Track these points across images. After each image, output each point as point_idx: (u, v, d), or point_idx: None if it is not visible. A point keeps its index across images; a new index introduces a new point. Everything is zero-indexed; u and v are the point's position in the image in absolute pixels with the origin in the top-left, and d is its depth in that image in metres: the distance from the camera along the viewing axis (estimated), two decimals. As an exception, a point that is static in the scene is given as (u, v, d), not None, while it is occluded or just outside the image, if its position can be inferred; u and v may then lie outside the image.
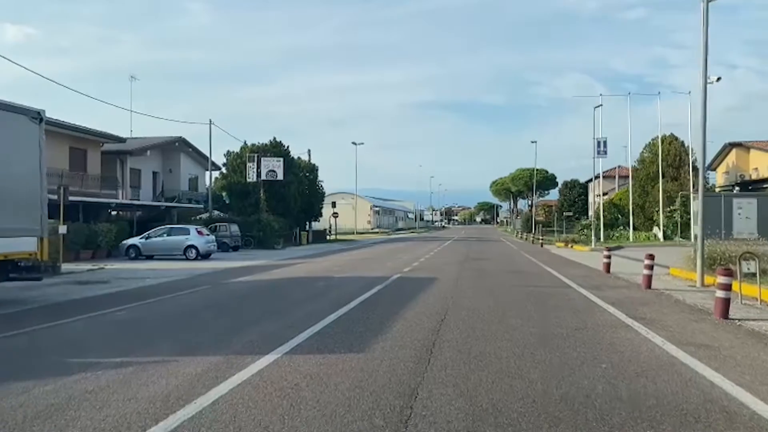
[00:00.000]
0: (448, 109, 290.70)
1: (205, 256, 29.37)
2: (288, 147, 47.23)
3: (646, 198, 48.68)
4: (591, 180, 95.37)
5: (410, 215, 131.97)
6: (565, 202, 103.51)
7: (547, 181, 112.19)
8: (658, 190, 47.57)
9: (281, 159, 41.63)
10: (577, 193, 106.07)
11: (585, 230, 52.76)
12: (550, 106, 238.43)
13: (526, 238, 51.70)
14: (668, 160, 48.22)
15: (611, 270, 19.18)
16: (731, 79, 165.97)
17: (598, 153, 34.19)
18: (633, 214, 47.28)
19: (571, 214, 70.26)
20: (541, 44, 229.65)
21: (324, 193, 54.56)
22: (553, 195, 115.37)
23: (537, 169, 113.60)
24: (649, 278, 14.78)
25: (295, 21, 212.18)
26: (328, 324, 8.89)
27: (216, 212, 44.77)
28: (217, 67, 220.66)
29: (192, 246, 28.74)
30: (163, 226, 30.50)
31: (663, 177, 48.93)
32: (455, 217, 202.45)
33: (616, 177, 70.51)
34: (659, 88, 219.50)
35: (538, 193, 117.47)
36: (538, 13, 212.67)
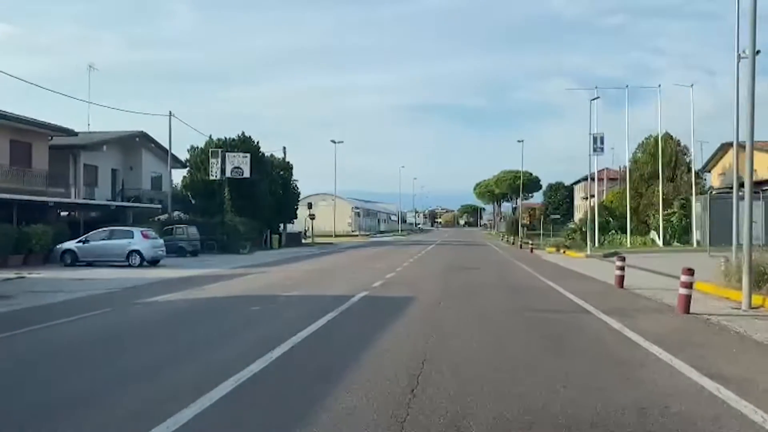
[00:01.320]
0: (432, 111, 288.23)
1: (152, 262, 25.49)
2: (258, 142, 43.41)
3: (640, 200, 45.49)
4: (577, 182, 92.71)
5: (393, 217, 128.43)
6: (550, 204, 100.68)
7: (531, 183, 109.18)
8: (653, 192, 44.55)
9: (248, 155, 37.76)
10: (561, 195, 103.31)
11: (573, 234, 49.59)
12: (534, 110, 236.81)
13: (513, 242, 48.28)
14: (663, 161, 45.12)
15: (624, 283, 15.69)
16: (712, 84, 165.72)
17: (594, 150, 30.87)
18: (628, 217, 44.18)
19: (558, 216, 67.43)
20: (523, 49, 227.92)
21: (299, 192, 50.77)
22: (537, 198, 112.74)
23: (520, 172, 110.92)
24: (688, 300, 11.28)
25: (280, 23, 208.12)
26: (221, 397, 5.17)
27: (178, 213, 40.75)
28: (200, 67, 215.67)
29: (135, 251, 24.81)
30: (103, 229, 26.50)
31: (658, 178, 45.86)
32: (439, 220, 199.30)
33: (605, 179, 67.60)
34: (641, 92, 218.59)
35: (522, 195, 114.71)
36: (520, 17, 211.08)
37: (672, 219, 38.83)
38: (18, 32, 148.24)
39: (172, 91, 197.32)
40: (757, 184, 41.85)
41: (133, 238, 25.15)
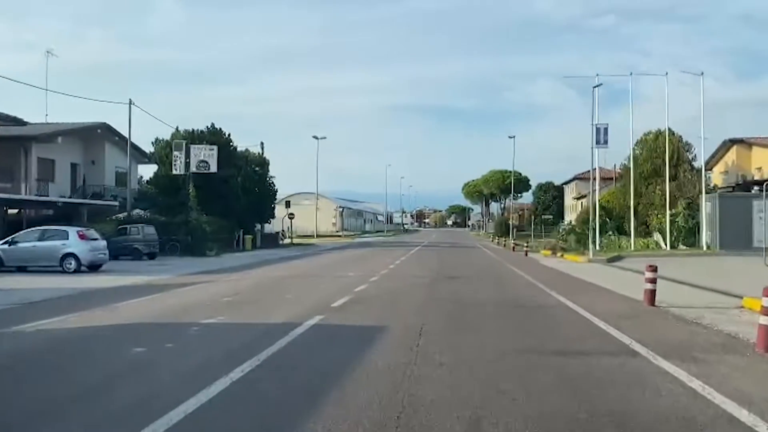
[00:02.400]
0: (421, 112, 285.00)
1: (92, 267, 21.73)
2: (229, 135, 39.57)
3: (640, 200, 42.14)
4: (568, 182, 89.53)
5: (380, 217, 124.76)
6: (539, 204, 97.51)
7: (520, 183, 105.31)
8: (653, 192, 41.34)
9: (215, 148, 33.92)
10: (551, 196, 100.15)
11: (568, 236, 46.27)
12: (522, 111, 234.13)
13: (504, 244, 44.75)
14: (664, 158, 41.90)
15: (655, 299, 12.22)
16: (697, 86, 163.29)
17: (598, 143, 27.40)
18: (631, 217, 40.97)
19: (551, 217, 64.12)
20: (513, 50, 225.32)
21: (276, 190, 46.94)
22: (526, 198, 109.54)
23: (509, 172, 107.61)
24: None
25: (269, 22, 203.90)
26: None
27: (138, 211, 36.84)
28: (187, 66, 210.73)
29: (70, 254, 20.96)
30: (35, 228, 22.61)
31: (659, 176, 42.62)
32: (426, 220, 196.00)
33: (598, 179, 64.43)
34: (629, 94, 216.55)
35: (510, 195, 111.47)
36: (510, 19, 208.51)
37: (677, 219, 35.53)
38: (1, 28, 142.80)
39: (157, 89, 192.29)
40: (760, 184, 38.98)
41: (67, 239, 21.28)
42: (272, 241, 47.84)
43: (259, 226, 48.96)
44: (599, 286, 16.03)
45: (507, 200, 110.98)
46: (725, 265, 22.53)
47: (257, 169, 45.27)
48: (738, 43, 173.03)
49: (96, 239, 22.34)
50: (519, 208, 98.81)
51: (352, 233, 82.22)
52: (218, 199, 37.42)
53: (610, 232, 42.79)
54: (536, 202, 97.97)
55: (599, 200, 50.33)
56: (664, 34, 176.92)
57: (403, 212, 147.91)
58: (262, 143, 48.98)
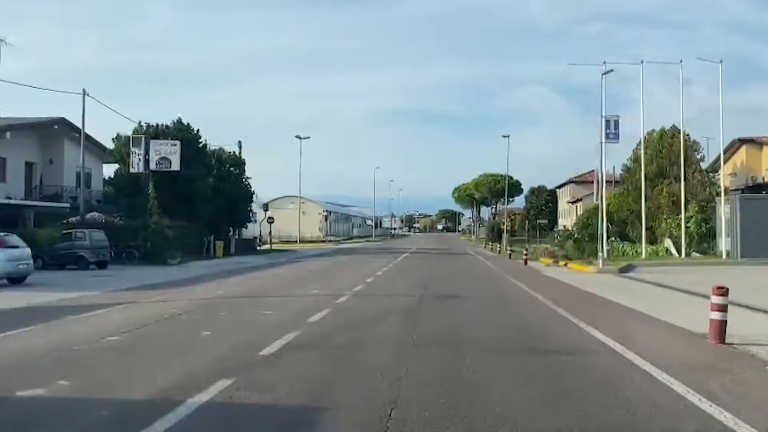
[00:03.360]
0: (411, 116, 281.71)
1: (14, 279, 18.00)
2: (198, 131, 35.70)
3: (644, 204, 38.73)
4: (562, 185, 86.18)
5: (368, 222, 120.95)
6: (532, 209, 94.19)
7: (511, 187, 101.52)
8: (660, 194, 37.98)
9: (177, 143, 30.07)
10: (544, 200, 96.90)
11: (565, 241, 42.82)
12: (513, 116, 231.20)
13: (500, 251, 41.12)
14: (671, 158, 38.62)
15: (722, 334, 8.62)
16: (687, 93, 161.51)
17: (608, 137, 23.85)
18: (642, 222, 37.67)
19: (546, 222, 60.74)
20: (502, 55, 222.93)
21: (253, 192, 43.09)
22: (518, 203, 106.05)
23: (501, 176, 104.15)
24: None
25: (259, 26, 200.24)
26: None
27: (95, 214, 32.93)
28: (177, 69, 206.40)
29: (-20, 266, 17.16)
30: (-60, 234, 18.73)
31: (666, 177, 39.34)
32: (416, 225, 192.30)
33: (595, 182, 61.17)
34: (616, 101, 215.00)
35: (502, 199, 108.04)
36: (499, 25, 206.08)
37: (689, 224, 32.14)
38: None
39: (148, 93, 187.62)
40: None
41: (-22, 247, 17.45)
42: (248, 246, 43.99)
43: (233, 231, 45.19)
44: (629, 308, 12.40)
45: (498, 204, 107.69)
46: (763, 277, 19.06)
47: (232, 169, 41.47)
48: (724, 50, 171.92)
49: (17, 247, 18.47)
50: (511, 212, 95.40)
51: (339, 238, 78.50)
52: (185, 202, 33.54)
53: (613, 238, 39.35)
54: (528, 207, 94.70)
55: (597, 204, 46.96)
56: (651, 41, 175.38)
57: (393, 216, 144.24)
58: (239, 142, 45.20)
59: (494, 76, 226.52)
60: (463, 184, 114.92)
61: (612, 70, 24.70)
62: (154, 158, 29.39)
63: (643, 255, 29.40)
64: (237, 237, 46.53)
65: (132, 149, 29.52)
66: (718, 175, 41.66)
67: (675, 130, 39.77)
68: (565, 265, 26.97)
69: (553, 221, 78.12)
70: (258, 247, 45.01)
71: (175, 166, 29.62)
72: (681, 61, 30.29)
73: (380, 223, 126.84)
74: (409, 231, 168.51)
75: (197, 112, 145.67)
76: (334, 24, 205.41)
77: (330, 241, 66.85)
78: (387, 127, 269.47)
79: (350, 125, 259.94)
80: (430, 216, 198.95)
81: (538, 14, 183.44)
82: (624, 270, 23.69)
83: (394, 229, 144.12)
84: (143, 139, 29.34)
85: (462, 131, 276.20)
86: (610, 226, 42.03)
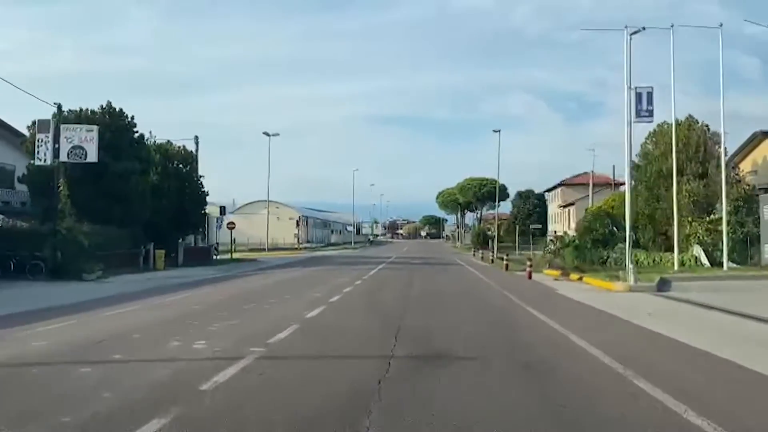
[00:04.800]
0: (395, 123, 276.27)
1: None
2: (132, 118, 29.42)
3: (657, 205, 33.26)
4: (551, 189, 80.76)
5: (349, 228, 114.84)
6: (519, 213, 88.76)
7: (498, 191, 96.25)
8: (679, 193, 32.51)
9: (94, 128, 23.81)
10: (532, 204, 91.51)
11: (563, 249, 37.30)
12: (498, 123, 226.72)
13: (492, 260, 35.20)
14: (688, 152, 33.24)
15: None
16: (667, 100, 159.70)
17: (639, 115, 18.15)
18: (675, 226, 32.42)
19: (540, 227, 55.30)
20: (488, 63, 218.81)
21: (206, 193, 36.85)
22: (505, 208, 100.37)
23: (487, 179, 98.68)
24: None
25: (242, 33, 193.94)
26: None
27: (-1, 217, 26.61)
28: (160, 75, 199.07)
29: None
30: None
31: (683, 175, 33.92)
32: (400, 231, 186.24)
33: (590, 184, 55.76)
34: (599, 107, 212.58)
35: (488, 204, 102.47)
36: (483, 32, 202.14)
37: (719, 228, 26.66)
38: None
39: (132, 98, 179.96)
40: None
41: None
42: (203, 256, 37.70)
43: (186, 238, 38.93)
44: (740, 365, 6.55)
45: (484, 209, 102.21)
46: None
47: (180, 166, 35.24)
48: (704, 58, 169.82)
49: None
50: (499, 218, 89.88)
51: (315, 246, 72.30)
52: (115, 202, 27.33)
53: (621, 245, 33.79)
54: (516, 211, 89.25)
55: (602, 206, 41.39)
56: (635, 49, 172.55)
57: (375, 223, 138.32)
58: (196, 137, 39.07)
59: (479, 83, 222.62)
60: (447, 189, 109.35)
61: (644, 28, 18.96)
62: (65, 147, 23.13)
63: (676, 266, 23.71)
64: (193, 244, 40.30)
65: (38, 136, 23.25)
66: (741, 171, 36.30)
67: (691, 121, 34.48)
68: (580, 279, 21.20)
69: (544, 226, 72.64)
70: (215, 257, 38.70)
71: (92, 156, 23.38)
72: (721, 25, 24.68)
73: (360, 230, 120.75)
74: (392, 237, 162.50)
75: (177, 118, 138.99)
76: (317, 30, 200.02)
77: (304, 248, 60.59)
78: (372, 134, 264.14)
79: (334, 132, 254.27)
80: (413, 222, 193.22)
81: (524, 21, 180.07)
82: (661, 287, 17.98)
83: (376, 235, 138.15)
84: (51, 123, 23.04)
85: (446, 138, 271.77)
86: (617, 231, 36.52)
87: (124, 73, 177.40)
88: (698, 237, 27.07)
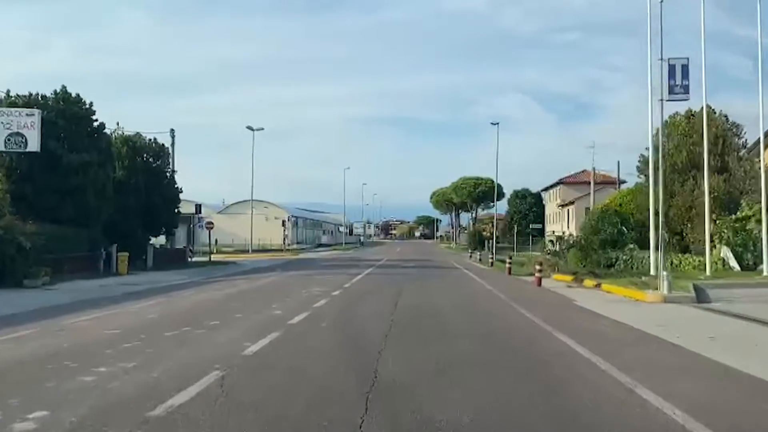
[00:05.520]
0: (390, 124, 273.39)
1: None
2: (90, 105, 26.05)
3: (671, 202, 30.13)
4: (548, 188, 77.69)
5: (342, 229, 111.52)
6: (515, 213, 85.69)
7: (492, 191, 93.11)
8: (696, 189, 29.52)
9: (35, 113, 20.49)
10: (528, 204, 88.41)
11: (567, 250, 34.20)
12: (492, 123, 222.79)
13: (492, 263, 31.96)
14: (705, 144, 30.20)
15: None
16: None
17: (672, 92, 14.97)
18: (706, 224, 29.32)
19: (540, 227, 52.23)
20: (481, 64, 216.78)
21: (179, 190, 33.52)
22: (500, 208, 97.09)
23: (481, 179, 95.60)
24: None
25: (236, 33, 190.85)
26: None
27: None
28: (154, 76, 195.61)
29: None
30: None
31: (698, 169, 30.88)
32: (393, 232, 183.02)
33: (592, 182, 52.68)
34: (594, 109, 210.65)
35: (483, 204, 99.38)
36: (478, 33, 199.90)
37: (748, 227, 23.65)
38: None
39: (124, 99, 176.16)
40: None
41: None
42: (178, 258, 34.38)
43: (166, 239, 35.68)
44: None
45: (479, 209, 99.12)
46: None
47: (150, 160, 31.90)
48: (698, 59, 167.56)
49: None
50: (492, 218, 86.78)
51: (304, 247, 68.99)
52: (67, 199, 24.04)
53: (632, 246, 30.75)
54: (512, 212, 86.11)
55: (610, 202, 38.23)
56: (627, 50, 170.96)
57: (368, 223, 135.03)
58: (172, 130, 35.79)
59: (473, 84, 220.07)
60: (442, 189, 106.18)
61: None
62: (2, 134, 19.79)
63: (707, 270, 20.59)
64: (168, 246, 37.01)
65: (-32, 120, 19.91)
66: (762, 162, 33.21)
67: (708, 110, 31.39)
68: (597, 286, 18.03)
69: (541, 227, 69.53)
70: (190, 259, 35.33)
71: (33, 145, 20.08)
72: None
73: (353, 230, 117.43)
74: (386, 238, 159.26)
75: (170, 119, 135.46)
76: (311, 32, 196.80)
77: (291, 250, 57.22)
78: (366, 135, 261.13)
79: (329, 133, 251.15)
80: (407, 223, 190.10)
81: (515, 23, 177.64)
82: (700, 297, 14.84)
83: (369, 236, 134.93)
84: (-15, 105, 19.71)
85: (441, 138, 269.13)
86: (626, 230, 33.43)
87: (113, 73, 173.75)
88: (725, 237, 23.95)
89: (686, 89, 15.30)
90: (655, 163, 34.23)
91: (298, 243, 74.95)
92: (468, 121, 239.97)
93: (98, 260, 26.12)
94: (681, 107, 30.93)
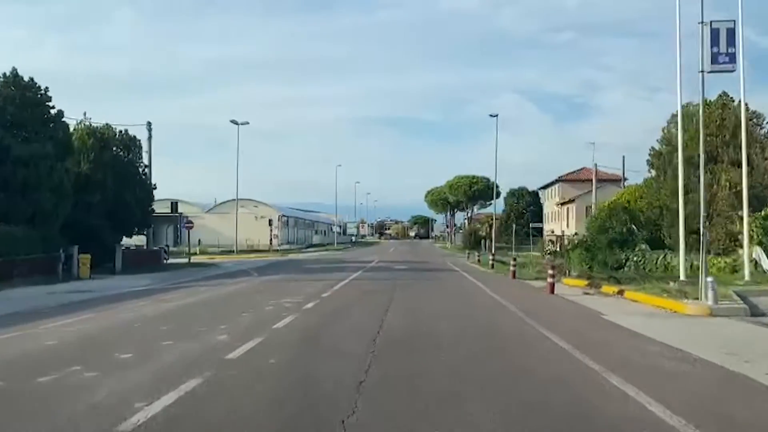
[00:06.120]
0: (384, 124, 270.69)
1: None
2: (46, 90, 23.14)
3: (687, 198, 27.45)
4: (547, 186, 74.95)
5: (336, 228, 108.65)
6: (512, 212, 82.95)
7: (488, 190, 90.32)
8: (716, 183, 26.96)
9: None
10: (525, 203, 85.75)
11: (572, 251, 31.53)
12: (487, 123, 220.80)
13: (492, 265, 29.15)
14: (723, 136, 27.74)
15: None
16: (653, 101, 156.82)
17: (716, 61, 12.20)
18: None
19: (541, 226, 49.53)
20: (476, 64, 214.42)
21: (153, 186, 30.63)
22: (496, 207, 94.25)
23: (477, 177, 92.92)
24: None
25: (230, 32, 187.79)
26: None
27: None
28: (147, 75, 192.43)
29: None
30: None
31: (717, 162, 28.41)
32: (388, 231, 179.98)
33: (593, 181, 50.05)
34: (587, 109, 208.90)
35: (478, 203, 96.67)
36: (473, 33, 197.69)
37: (781, 225, 21.03)
38: None
39: (116, 99, 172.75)
40: None
41: None
42: (152, 260, 31.45)
43: (149, 239, 32.85)
44: None
45: (474, 208, 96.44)
46: None
47: (120, 153, 29.00)
48: (693, 59, 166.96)
49: None
50: (488, 217, 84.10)
51: (293, 247, 66.08)
52: (17, 195, 21.18)
53: (644, 246, 28.15)
54: (508, 210, 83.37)
55: (618, 198, 35.54)
56: (621, 50, 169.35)
57: (362, 222, 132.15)
58: (149, 123, 32.94)
59: (468, 84, 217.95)
60: (437, 187, 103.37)
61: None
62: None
63: (746, 274, 17.89)
64: (145, 247, 34.14)
65: None
66: None
67: (725, 99, 28.85)
68: (620, 293, 15.31)
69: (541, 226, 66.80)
70: (165, 261, 32.40)
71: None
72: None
73: (346, 230, 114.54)
74: (380, 238, 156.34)
75: (163, 119, 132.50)
76: (305, 31, 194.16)
77: (279, 250, 54.33)
78: (361, 135, 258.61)
79: (324, 133, 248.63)
80: (402, 222, 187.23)
81: (512, 23, 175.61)
82: (753, 310, 12.12)
83: (363, 236, 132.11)
84: None
85: (436, 138, 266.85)
86: (636, 229, 30.79)
87: (105, 74, 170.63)
88: (756, 237, 21.29)
89: (732, 58, 12.57)
90: (655, 160, 31.47)
91: (289, 243, 72.08)
92: (463, 121, 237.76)
93: (56, 263, 23.21)
94: (694, 97, 28.23)
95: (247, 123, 46.35)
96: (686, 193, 27.75)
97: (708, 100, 29.09)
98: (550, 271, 15.76)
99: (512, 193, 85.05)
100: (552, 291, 15.56)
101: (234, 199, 67.38)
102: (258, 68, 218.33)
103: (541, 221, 67.39)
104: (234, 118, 44.74)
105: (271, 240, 54.06)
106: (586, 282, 18.22)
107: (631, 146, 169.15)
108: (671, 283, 16.04)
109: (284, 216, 74.55)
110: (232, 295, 16.05)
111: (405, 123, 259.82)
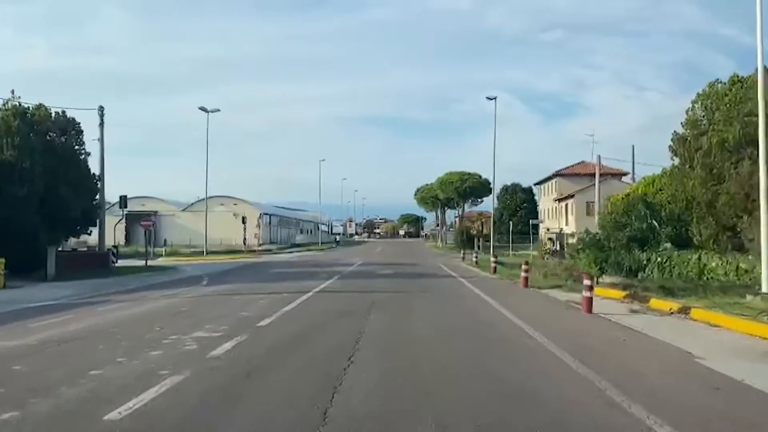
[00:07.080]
0: (374, 123, 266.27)
1: None
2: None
3: (720, 188, 23.28)
4: (542, 182, 70.72)
5: (322, 227, 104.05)
6: (505, 210, 78.86)
7: (480, 186, 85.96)
8: (754, 173, 22.68)
9: None
10: (519, 200, 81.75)
11: (581, 252, 27.32)
12: (477, 122, 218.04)
13: (495, 269, 24.60)
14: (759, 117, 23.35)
15: None
16: (641, 99, 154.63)
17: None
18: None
19: (540, 222, 45.37)
20: (465, 63, 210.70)
21: (96, 177, 25.94)
22: (488, 204, 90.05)
23: (469, 174, 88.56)
24: None
25: (218, 32, 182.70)
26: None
27: None
28: (136, 75, 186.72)
29: None
30: None
31: (742, 149, 24.13)
32: (377, 230, 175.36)
33: (595, 175, 45.91)
34: (576, 107, 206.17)
35: (470, 200, 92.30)
36: (461, 33, 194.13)
37: None
38: None
39: (105, 100, 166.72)
40: None
41: None
42: (98, 264, 26.73)
43: (83, 238, 28.16)
44: None
45: (466, 205, 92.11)
46: None
47: (54, 136, 24.32)
48: (680, 58, 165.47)
49: None
50: (480, 214, 79.90)
51: (272, 247, 61.42)
52: None
53: (669, 244, 23.93)
54: (501, 207, 79.30)
55: (636, 189, 31.31)
56: (610, 49, 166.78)
57: (350, 221, 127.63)
58: (101, 107, 28.26)
59: (457, 82, 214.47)
60: (427, 185, 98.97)
61: None
62: None
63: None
64: (99, 248, 29.48)
65: None
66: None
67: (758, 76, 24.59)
68: (686, 313, 10.99)
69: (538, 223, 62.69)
70: (113, 263, 27.64)
71: None
72: None
73: (333, 229, 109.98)
74: (369, 237, 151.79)
75: (149, 118, 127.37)
76: (291, 31, 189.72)
77: (256, 251, 49.68)
78: (350, 134, 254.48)
79: (314, 132, 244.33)
80: (391, 221, 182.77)
81: (500, 22, 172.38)
82: None
83: (352, 235, 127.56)
84: None
85: (425, 137, 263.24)
86: (658, 225, 26.50)
87: (94, 73, 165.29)
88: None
89: None
90: (677, 146, 27.16)
91: (271, 242, 67.45)
92: (452, 120, 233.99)
93: (-42, 270, 18.59)
94: (724, 74, 24.06)
95: (218, 110, 41.64)
96: (720, 182, 23.57)
97: (738, 76, 25.01)
98: (587, 282, 11.35)
99: (505, 190, 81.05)
100: (589, 310, 11.19)
101: (212, 197, 62.67)
102: (246, 67, 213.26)
103: (536, 218, 63.27)
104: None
105: (244, 240, 49.37)
106: (623, 293, 13.96)
107: (631, 144, 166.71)
108: (749, 297, 11.78)
109: (266, 214, 69.87)
110: (155, 315, 11.52)
111: (394, 122, 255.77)
